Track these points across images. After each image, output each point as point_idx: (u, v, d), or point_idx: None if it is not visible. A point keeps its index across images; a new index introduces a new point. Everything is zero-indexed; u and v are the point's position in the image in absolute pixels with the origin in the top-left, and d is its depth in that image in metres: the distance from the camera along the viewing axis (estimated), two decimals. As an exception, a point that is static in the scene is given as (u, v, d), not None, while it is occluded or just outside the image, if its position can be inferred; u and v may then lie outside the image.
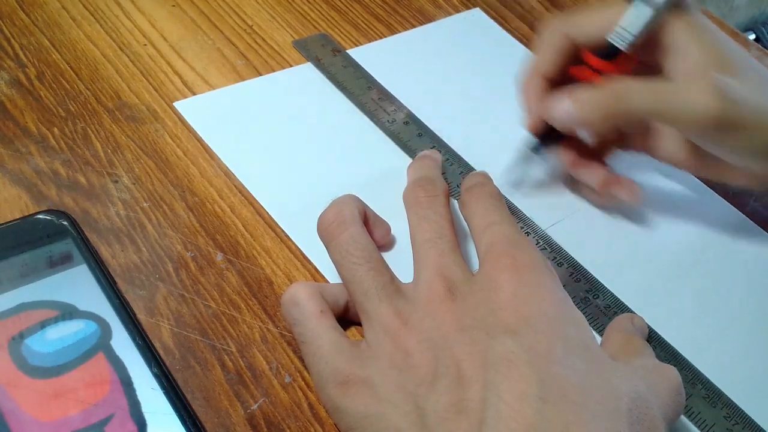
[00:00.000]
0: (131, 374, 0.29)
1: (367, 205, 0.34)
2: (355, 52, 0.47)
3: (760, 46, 0.55)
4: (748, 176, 0.37)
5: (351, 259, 0.30)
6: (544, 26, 0.38)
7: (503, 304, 0.27)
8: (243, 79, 0.44)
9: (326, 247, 0.32)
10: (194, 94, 0.43)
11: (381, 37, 0.49)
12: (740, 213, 0.42)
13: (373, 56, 0.47)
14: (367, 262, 0.30)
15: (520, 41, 0.51)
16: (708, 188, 0.43)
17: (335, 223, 0.31)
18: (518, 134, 0.40)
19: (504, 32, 0.51)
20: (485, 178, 0.36)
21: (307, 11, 0.50)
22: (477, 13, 0.53)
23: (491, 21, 0.52)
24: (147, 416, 0.28)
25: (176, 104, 0.42)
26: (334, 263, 0.31)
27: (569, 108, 0.36)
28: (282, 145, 0.41)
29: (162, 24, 0.47)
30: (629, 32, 0.35)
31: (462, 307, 0.28)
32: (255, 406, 0.30)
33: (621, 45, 0.36)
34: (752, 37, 1.37)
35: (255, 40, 0.47)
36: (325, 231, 0.32)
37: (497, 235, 0.31)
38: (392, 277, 0.31)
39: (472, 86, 0.47)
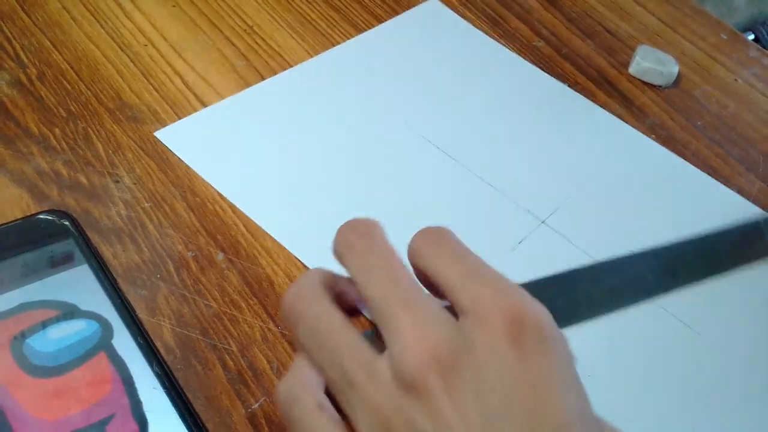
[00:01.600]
0: (132, 373, 0.29)
1: (335, 273, 0.28)
2: (333, 53, 0.47)
3: (759, 46, 0.55)
4: None
5: (318, 342, 0.25)
6: None
7: (512, 398, 0.22)
8: (243, 80, 0.44)
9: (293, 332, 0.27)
10: (194, 94, 0.43)
11: (381, 38, 0.49)
12: (741, 197, 0.42)
13: (346, 59, 0.47)
14: (334, 341, 0.25)
15: (520, 41, 0.51)
16: (709, 177, 0.43)
17: (296, 302, 0.26)
18: (503, 125, 0.40)
19: (462, 20, 0.51)
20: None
21: (307, 11, 0.50)
22: (434, 4, 0.52)
23: (449, 10, 0.52)
24: (148, 415, 0.28)
25: (156, 134, 0.40)
26: (301, 347, 0.26)
27: None
28: (268, 159, 0.40)
29: (162, 24, 0.47)
30: None
31: (459, 394, 0.22)
32: (256, 405, 0.30)
33: None
34: (751, 37, 1.37)
35: (255, 41, 0.47)
36: (287, 314, 0.26)
37: (487, 285, 0.24)
38: (373, 355, 0.24)
39: (439, 80, 0.47)
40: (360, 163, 0.41)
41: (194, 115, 0.42)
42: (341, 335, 0.25)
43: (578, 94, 0.47)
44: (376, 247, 0.26)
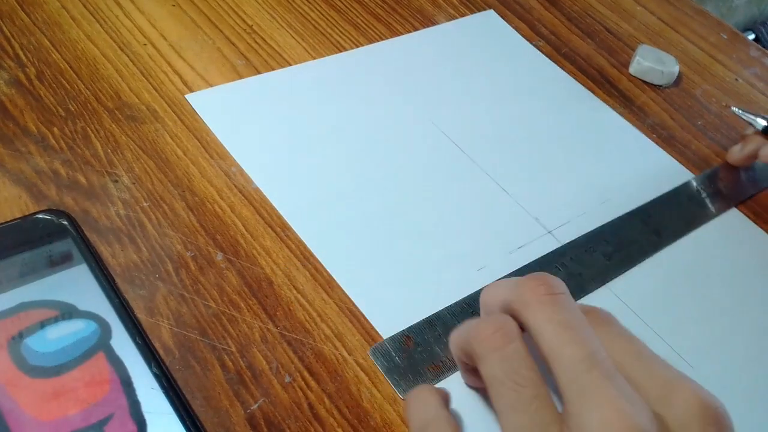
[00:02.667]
0: (131, 374, 0.29)
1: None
2: (368, 50, 0.47)
3: (759, 46, 0.55)
4: None
5: (516, 379, 0.24)
6: None
7: None
8: (243, 79, 0.44)
9: (481, 361, 0.26)
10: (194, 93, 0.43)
11: (381, 37, 0.49)
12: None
13: (386, 55, 0.47)
14: (534, 386, 0.24)
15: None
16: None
17: (500, 333, 0.26)
18: (529, 141, 0.40)
19: (518, 34, 0.51)
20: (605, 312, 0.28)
21: (307, 11, 0.50)
22: (490, 15, 0.52)
23: (505, 23, 0.52)
24: (147, 416, 0.28)
25: (187, 96, 0.42)
26: (488, 381, 0.26)
27: None
28: (292, 141, 0.41)
29: (162, 24, 0.47)
30: None
31: None
32: (255, 406, 0.30)
33: None
34: (751, 37, 1.37)
35: (255, 40, 0.47)
36: (486, 340, 0.26)
37: (689, 390, 0.24)
38: (559, 416, 0.24)
39: (486, 89, 0.47)
40: (379, 151, 0.42)
41: (228, 84, 0.43)
42: (537, 383, 0.24)
43: (620, 116, 0.47)
44: (570, 306, 0.25)
